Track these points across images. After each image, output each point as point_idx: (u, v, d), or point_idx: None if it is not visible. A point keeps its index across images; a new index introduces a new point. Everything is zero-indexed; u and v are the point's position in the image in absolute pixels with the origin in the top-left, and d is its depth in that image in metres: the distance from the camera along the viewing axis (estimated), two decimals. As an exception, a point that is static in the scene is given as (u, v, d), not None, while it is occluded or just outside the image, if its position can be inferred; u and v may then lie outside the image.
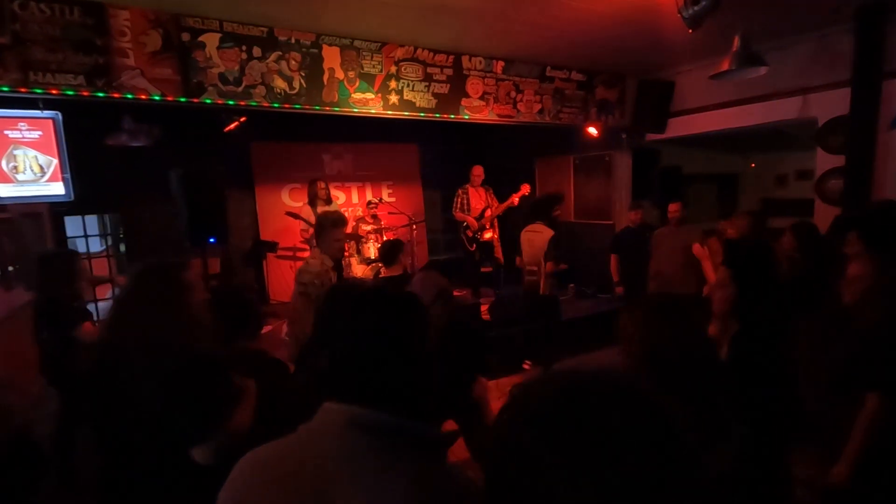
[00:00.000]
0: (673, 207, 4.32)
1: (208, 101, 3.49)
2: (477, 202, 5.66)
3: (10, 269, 3.67)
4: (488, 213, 5.64)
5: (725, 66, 3.38)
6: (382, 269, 3.82)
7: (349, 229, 5.83)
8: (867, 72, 3.70)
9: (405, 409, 0.80)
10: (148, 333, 1.35)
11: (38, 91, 2.95)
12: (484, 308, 5.27)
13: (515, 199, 5.52)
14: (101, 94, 3.12)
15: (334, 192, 6.58)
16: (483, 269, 5.88)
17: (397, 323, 0.84)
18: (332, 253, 3.03)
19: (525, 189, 5.54)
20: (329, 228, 3.02)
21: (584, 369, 0.54)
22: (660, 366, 1.19)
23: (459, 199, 5.67)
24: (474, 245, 5.65)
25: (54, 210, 4.74)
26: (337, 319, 0.87)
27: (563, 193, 5.39)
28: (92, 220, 5.93)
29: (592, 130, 5.54)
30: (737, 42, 3.34)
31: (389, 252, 3.45)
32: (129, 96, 3.21)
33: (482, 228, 5.60)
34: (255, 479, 0.78)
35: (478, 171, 5.67)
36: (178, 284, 1.46)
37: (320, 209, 5.46)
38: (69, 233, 5.46)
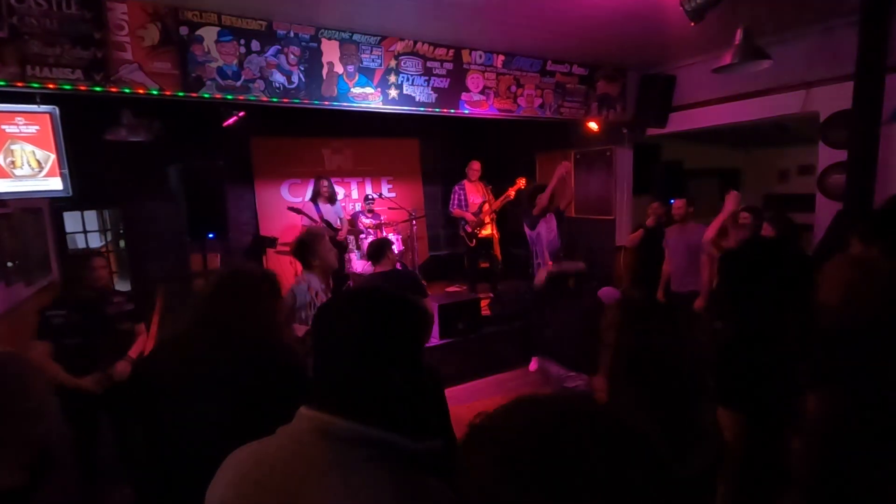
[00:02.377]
0: (677, 204, 4.27)
1: (207, 95, 3.47)
2: (475, 197, 5.62)
3: (10, 264, 3.66)
4: (486, 208, 5.61)
5: (728, 59, 3.35)
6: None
7: (348, 225, 5.83)
8: (870, 65, 3.66)
9: (382, 419, 0.76)
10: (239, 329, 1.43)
11: (36, 85, 2.93)
12: (484, 304, 5.26)
13: (511, 193, 5.49)
14: (98, 89, 3.10)
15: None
16: (481, 265, 5.86)
17: (375, 330, 0.80)
18: (330, 264, 2.89)
19: (521, 182, 5.51)
20: (319, 240, 2.85)
21: (549, 398, 0.51)
22: (636, 371, 1.19)
23: (457, 196, 5.63)
24: (474, 241, 5.62)
25: (54, 205, 4.73)
26: (323, 325, 0.84)
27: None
28: (91, 216, 5.91)
29: (593, 125, 5.51)
30: (739, 35, 3.32)
31: (377, 251, 3.57)
32: (127, 91, 3.19)
33: (480, 224, 5.57)
34: (236, 479, 0.77)
35: (475, 166, 5.63)
36: (269, 290, 1.58)
37: (322, 204, 5.44)
38: (68, 228, 5.45)
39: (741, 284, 2.12)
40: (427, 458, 0.78)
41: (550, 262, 4.45)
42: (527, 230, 4.55)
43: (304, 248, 2.84)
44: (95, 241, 6.10)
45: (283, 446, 0.77)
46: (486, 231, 5.61)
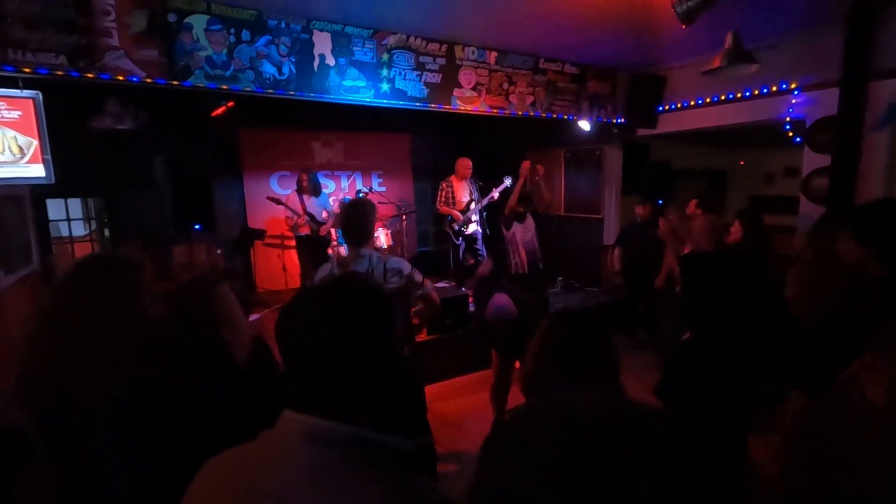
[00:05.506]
0: (693, 203, 4.17)
1: (195, 84, 3.42)
2: (462, 195, 5.61)
3: (-10, 252, 3.59)
4: (473, 206, 5.60)
5: (717, 63, 3.39)
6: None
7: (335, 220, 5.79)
8: (855, 72, 3.73)
9: (370, 419, 0.74)
10: (90, 335, 1.14)
11: (26, 71, 2.87)
12: (471, 300, 5.27)
13: (495, 194, 5.47)
14: (83, 75, 3.04)
15: (323, 181, 6.51)
16: (469, 262, 5.86)
17: (352, 323, 0.77)
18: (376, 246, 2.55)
19: (506, 181, 5.50)
20: (373, 213, 2.45)
21: (583, 398, 0.48)
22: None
23: (444, 192, 5.60)
24: (461, 238, 5.62)
25: (36, 193, 4.64)
26: (291, 326, 0.80)
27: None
28: (75, 204, 5.81)
29: (584, 124, 5.53)
30: (729, 39, 3.35)
31: None
32: (113, 78, 3.14)
33: (467, 222, 5.56)
34: (216, 488, 0.75)
35: (465, 164, 5.60)
36: (125, 282, 1.23)
37: (307, 198, 5.39)
38: (52, 216, 5.35)
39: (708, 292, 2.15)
40: (416, 456, 0.77)
41: (525, 259, 4.48)
42: (503, 230, 4.59)
43: (366, 218, 2.34)
44: (79, 230, 6.00)
45: (267, 452, 0.75)
46: (473, 228, 5.61)
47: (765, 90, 4.55)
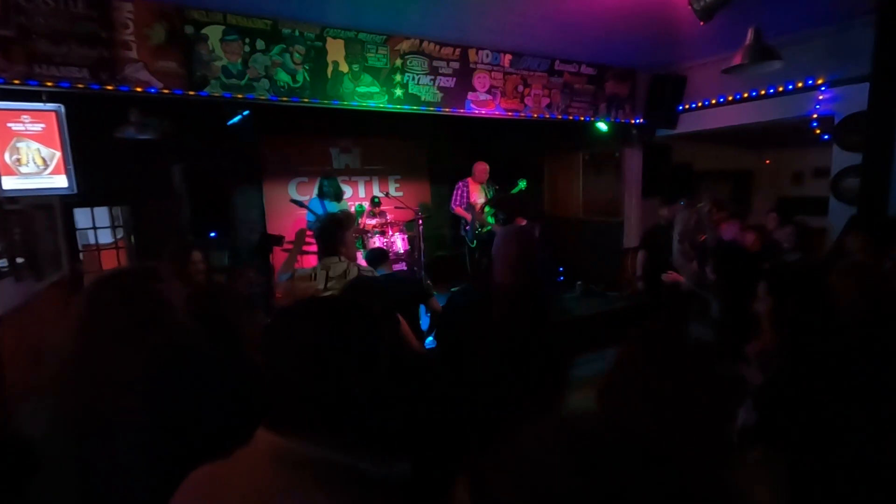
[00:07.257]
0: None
1: (212, 94, 3.49)
2: (477, 197, 5.59)
3: (21, 260, 3.70)
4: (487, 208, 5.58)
5: (738, 60, 3.29)
6: None
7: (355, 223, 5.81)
8: (887, 66, 3.56)
9: (344, 440, 0.72)
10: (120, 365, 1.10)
11: (44, 84, 2.96)
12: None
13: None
14: (105, 88, 3.13)
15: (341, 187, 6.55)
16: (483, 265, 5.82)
17: (333, 341, 0.75)
18: (352, 256, 2.70)
19: (521, 185, 5.47)
20: (350, 226, 2.70)
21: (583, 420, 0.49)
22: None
23: (459, 192, 5.60)
24: (474, 241, 5.60)
25: (65, 202, 4.79)
26: (273, 342, 0.79)
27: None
28: (102, 213, 5.98)
29: (602, 126, 5.44)
30: (750, 35, 3.25)
31: (376, 259, 3.61)
32: (133, 89, 3.21)
33: (483, 224, 5.54)
34: (197, 499, 0.75)
35: (482, 168, 5.58)
36: (156, 295, 1.21)
37: (328, 204, 5.43)
38: (80, 225, 5.52)
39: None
40: (392, 481, 0.74)
41: None
42: None
43: (337, 228, 2.60)
44: (106, 237, 6.17)
45: (236, 470, 0.74)
46: (487, 231, 5.58)
47: (790, 87, 4.40)
